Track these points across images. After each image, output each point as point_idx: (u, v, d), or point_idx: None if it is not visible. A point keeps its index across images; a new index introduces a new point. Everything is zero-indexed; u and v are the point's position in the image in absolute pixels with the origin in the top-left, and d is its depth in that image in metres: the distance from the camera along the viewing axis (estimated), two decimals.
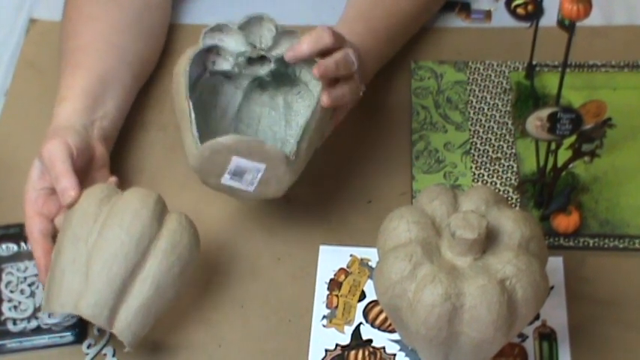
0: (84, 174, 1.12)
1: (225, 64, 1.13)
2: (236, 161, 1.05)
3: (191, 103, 1.07)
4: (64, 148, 1.10)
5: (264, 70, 1.14)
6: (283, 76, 1.15)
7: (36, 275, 1.15)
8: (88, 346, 1.10)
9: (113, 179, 1.13)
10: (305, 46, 1.08)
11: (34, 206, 1.11)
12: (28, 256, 1.16)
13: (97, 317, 1.01)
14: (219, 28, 1.11)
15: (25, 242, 1.17)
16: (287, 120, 1.18)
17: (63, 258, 1.03)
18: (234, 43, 1.11)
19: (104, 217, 1.04)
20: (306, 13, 1.38)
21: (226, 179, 1.07)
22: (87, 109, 1.17)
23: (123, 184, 1.21)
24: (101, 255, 1.02)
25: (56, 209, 1.11)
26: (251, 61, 1.14)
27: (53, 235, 1.10)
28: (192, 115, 1.06)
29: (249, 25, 1.10)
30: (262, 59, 1.13)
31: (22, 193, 1.21)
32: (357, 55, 1.11)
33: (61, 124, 1.15)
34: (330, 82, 1.09)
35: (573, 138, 1.08)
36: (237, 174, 1.06)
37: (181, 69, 1.09)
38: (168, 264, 1.03)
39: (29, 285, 1.14)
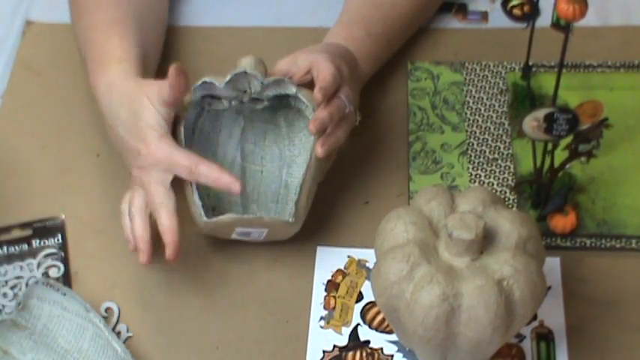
0: None
1: (220, 105, 1.15)
2: (240, 230, 1.10)
3: None
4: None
5: (258, 106, 1.15)
6: (280, 100, 1.16)
7: (17, 278, 1.14)
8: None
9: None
10: (320, 100, 1.08)
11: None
12: (7, 259, 1.15)
13: None
14: (208, 86, 1.12)
15: (1, 246, 1.16)
16: (290, 138, 1.18)
17: None
18: (224, 92, 1.13)
19: None
20: (304, 14, 1.38)
21: (234, 237, 1.12)
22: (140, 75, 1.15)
23: (118, 181, 1.20)
24: None
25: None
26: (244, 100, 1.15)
27: None
28: (194, 185, 1.09)
29: (235, 78, 1.11)
30: (255, 99, 1.15)
31: (18, 195, 1.22)
32: (349, 93, 1.12)
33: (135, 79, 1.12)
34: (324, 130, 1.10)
35: (570, 138, 1.08)
36: (243, 235, 1.11)
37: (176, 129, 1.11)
38: None
39: (11, 288, 1.13)
